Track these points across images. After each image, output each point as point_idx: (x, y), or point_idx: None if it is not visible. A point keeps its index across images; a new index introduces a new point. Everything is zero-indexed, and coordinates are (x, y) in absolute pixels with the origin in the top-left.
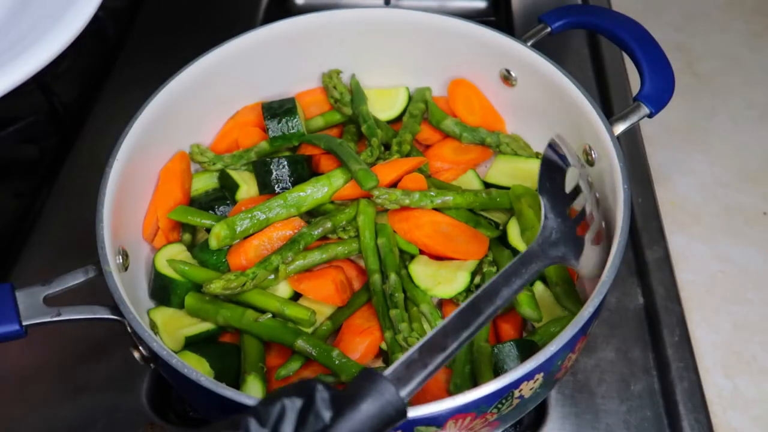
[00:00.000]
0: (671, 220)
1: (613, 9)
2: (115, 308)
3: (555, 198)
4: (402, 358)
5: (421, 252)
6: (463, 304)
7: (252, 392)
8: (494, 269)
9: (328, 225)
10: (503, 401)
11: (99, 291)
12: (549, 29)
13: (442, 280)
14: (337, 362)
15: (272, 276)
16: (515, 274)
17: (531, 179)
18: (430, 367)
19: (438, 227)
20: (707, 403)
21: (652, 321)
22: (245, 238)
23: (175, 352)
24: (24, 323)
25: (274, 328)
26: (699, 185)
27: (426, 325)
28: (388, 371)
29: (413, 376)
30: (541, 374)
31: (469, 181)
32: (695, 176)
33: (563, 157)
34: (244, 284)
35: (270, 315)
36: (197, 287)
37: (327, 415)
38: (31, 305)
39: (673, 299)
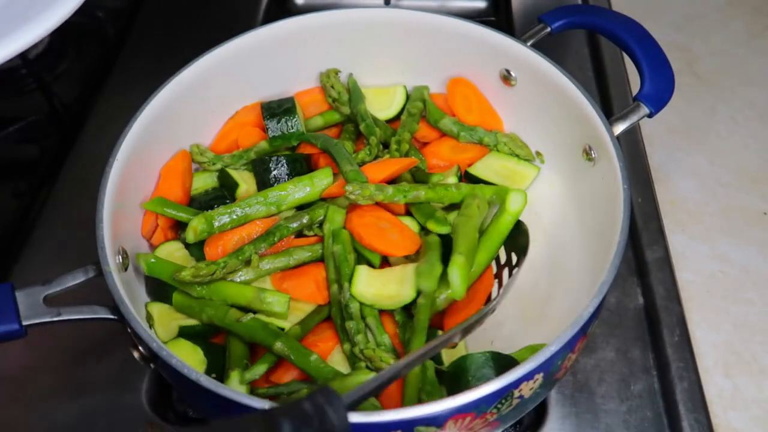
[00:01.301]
0: (671, 220)
1: (613, 9)
2: (115, 308)
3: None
4: (361, 387)
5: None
6: (410, 357)
7: (235, 387)
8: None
9: (305, 219)
10: (503, 401)
11: (99, 291)
12: (549, 29)
13: (388, 294)
14: (313, 366)
15: (242, 273)
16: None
17: (516, 180)
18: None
19: (378, 222)
20: (707, 403)
21: (652, 321)
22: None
23: (170, 340)
24: (24, 323)
25: (254, 329)
26: (699, 185)
27: (370, 337)
28: (345, 395)
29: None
30: (541, 374)
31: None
32: (695, 176)
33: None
34: (213, 273)
35: (251, 315)
36: None
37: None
38: (31, 305)
39: (673, 299)
